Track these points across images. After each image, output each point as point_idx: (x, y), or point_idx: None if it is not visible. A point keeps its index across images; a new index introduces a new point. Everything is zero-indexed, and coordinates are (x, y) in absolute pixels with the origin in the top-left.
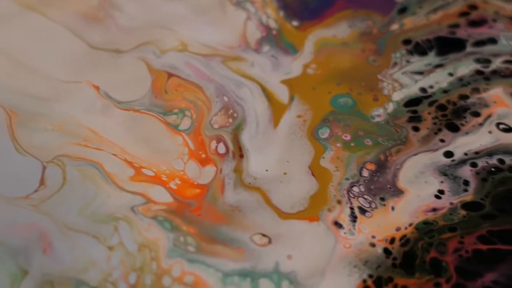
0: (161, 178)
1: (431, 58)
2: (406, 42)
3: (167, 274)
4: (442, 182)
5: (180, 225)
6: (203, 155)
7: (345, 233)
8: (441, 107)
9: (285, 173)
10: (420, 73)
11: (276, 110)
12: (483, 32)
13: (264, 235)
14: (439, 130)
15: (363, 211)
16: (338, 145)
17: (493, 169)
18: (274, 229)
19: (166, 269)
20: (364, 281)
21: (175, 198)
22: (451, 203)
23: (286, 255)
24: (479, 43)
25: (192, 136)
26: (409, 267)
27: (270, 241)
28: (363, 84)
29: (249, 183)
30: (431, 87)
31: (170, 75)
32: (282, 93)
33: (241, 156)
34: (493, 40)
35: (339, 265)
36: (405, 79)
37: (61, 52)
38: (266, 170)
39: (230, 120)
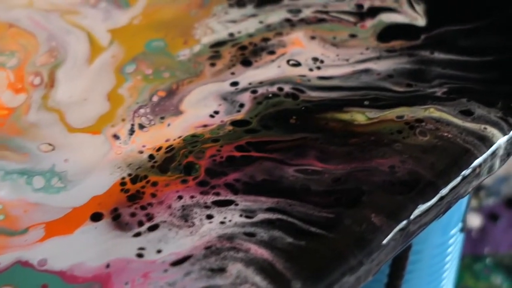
0: None
1: (249, 10)
2: None
3: None
4: (220, 105)
5: None
6: (20, 86)
7: (120, 143)
8: (242, 48)
9: (85, 99)
10: (234, 21)
11: (95, 52)
12: None
13: (50, 144)
14: (233, 65)
15: (141, 126)
16: (138, 77)
17: (270, 95)
18: (61, 140)
19: None
20: (123, 178)
21: None
22: (222, 121)
23: (63, 159)
24: None
25: (15, 71)
26: (164, 168)
27: (53, 149)
28: (178, 31)
29: (52, 106)
30: (239, 32)
31: (11, 25)
32: (104, 39)
33: (52, 86)
34: None
35: (106, 166)
36: (218, 27)
37: None
38: (70, 97)
39: (52, 59)
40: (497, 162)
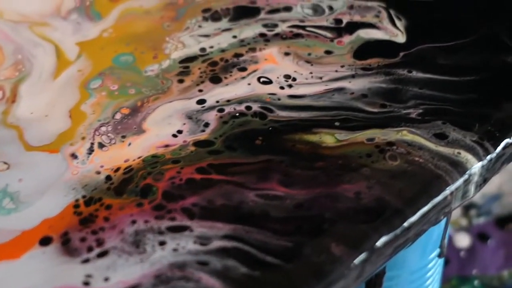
0: None
1: (223, 23)
2: (206, 10)
3: None
4: (184, 124)
5: None
6: None
7: (77, 162)
8: (213, 64)
9: (46, 115)
10: (207, 36)
11: (61, 65)
12: (282, 1)
13: (5, 163)
14: (202, 82)
15: (101, 145)
16: (103, 93)
17: (237, 114)
18: (17, 158)
19: None
20: (77, 200)
21: None
22: (184, 141)
23: (18, 178)
24: (274, 11)
25: None
26: (120, 190)
27: (8, 167)
28: (149, 45)
29: (11, 123)
30: (212, 47)
31: None
32: (72, 52)
33: (13, 101)
34: (288, 8)
35: (60, 187)
36: (190, 41)
37: None
38: (31, 113)
39: (17, 73)
40: (472, 189)
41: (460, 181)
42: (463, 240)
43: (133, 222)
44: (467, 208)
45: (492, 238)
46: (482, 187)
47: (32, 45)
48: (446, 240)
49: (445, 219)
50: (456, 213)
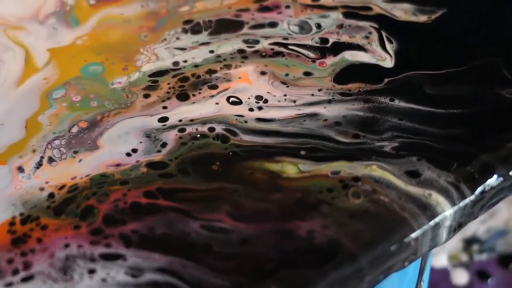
0: None
1: (202, 37)
2: (187, 22)
3: None
4: (141, 142)
5: None
6: None
7: (23, 177)
8: (184, 79)
9: (2, 124)
10: (183, 49)
11: (28, 72)
12: (268, 16)
13: None
14: (168, 98)
15: (51, 160)
16: (64, 104)
17: (198, 136)
18: None
19: None
20: (14, 217)
21: None
22: (137, 161)
23: None
24: (258, 26)
25: None
26: (60, 209)
27: None
28: (121, 56)
29: None
30: (185, 61)
31: None
32: (41, 59)
33: None
34: (273, 24)
35: (0, 202)
36: (165, 53)
37: None
38: None
39: None
40: (444, 234)
41: (427, 226)
42: (460, 277)
43: (66, 245)
44: (469, 243)
45: (493, 277)
46: (456, 233)
47: (3, 49)
48: (423, 283)
49: (420, 261)
50: (457, 247)
